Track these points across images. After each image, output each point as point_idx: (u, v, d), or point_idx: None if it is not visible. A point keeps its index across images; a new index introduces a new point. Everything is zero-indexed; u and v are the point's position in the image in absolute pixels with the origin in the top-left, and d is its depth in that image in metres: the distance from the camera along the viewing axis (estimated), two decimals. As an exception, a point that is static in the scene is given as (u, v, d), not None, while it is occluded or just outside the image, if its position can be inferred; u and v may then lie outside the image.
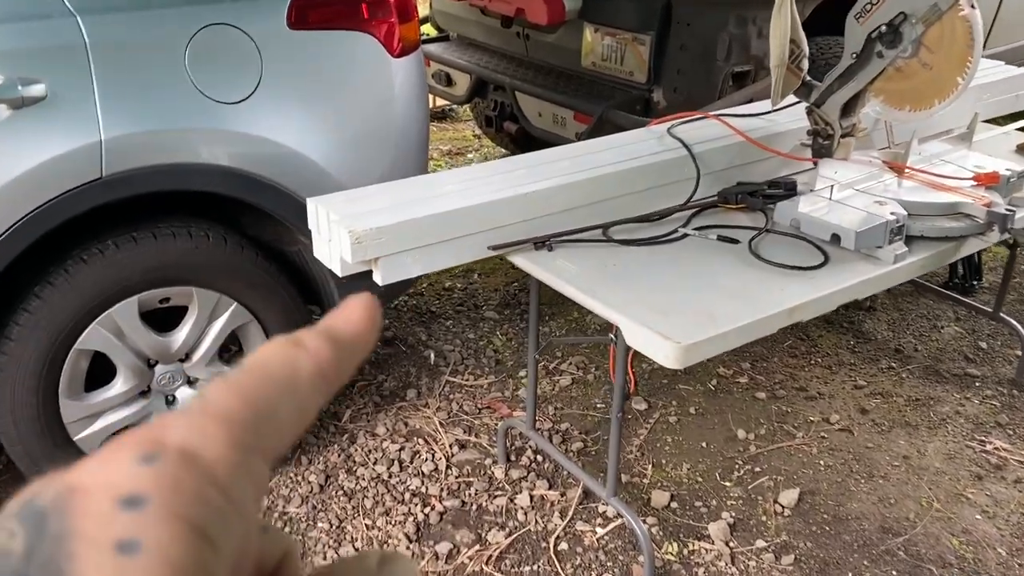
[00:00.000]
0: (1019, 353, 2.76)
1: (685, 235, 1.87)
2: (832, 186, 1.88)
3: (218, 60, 1.77)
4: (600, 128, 2.87)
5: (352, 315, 0.30)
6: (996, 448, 2.37)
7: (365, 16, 1.94)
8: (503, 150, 4.35)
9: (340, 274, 1.66)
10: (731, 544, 2.04)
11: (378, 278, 1.63)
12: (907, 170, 2.02)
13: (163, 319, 1.94)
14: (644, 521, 2.08)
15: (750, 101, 2.92)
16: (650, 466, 2.28)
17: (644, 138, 2.09)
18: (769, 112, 2.26)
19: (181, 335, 1.92)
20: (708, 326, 1.51)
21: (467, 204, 1.69)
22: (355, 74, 1.98)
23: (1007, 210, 1.83)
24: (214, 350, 1.98)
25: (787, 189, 2.05)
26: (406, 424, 2.42)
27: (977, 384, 2.66)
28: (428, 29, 4.14)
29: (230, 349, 2.16)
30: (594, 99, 2.96)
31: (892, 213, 1.82)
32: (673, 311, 1.55)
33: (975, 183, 1.97)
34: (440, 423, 2.42)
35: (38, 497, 0.22)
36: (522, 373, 2.66)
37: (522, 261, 1.75)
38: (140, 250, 1.79)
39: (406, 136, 2.11)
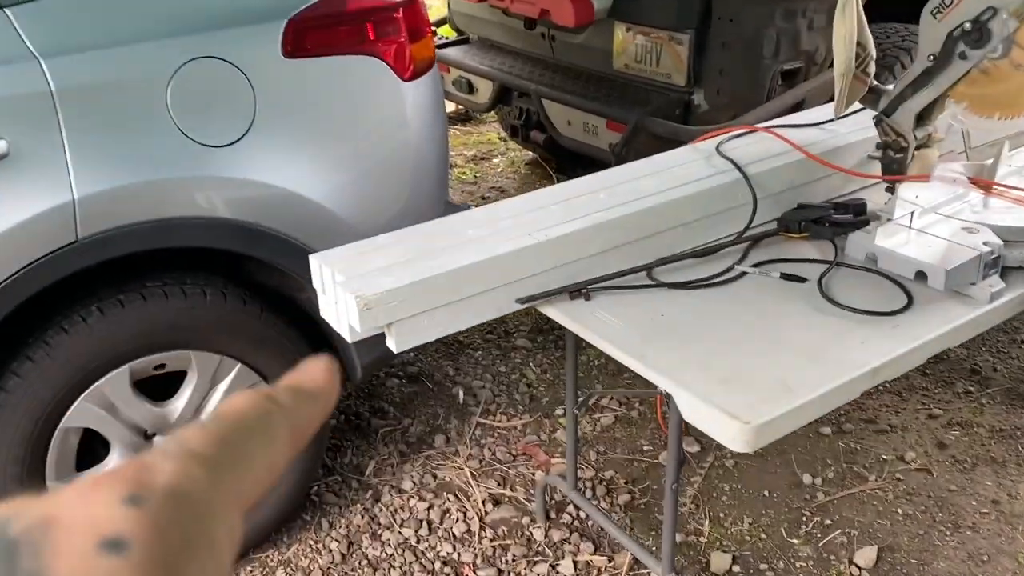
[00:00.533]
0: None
1: (743, 273, 1.63)
2: (913, 212, 1.62)
3: (205, 98, 1.57)
4: (635, 137, 2.63)
5: (314, 373, 0.32)
6: (1098, 488, 2.10)
7: (371, 37, 1.72)
8: (530, 153, 4.11)
9: (349, 340, 1.45)
10: (803, 615, 1.81)
11: (392, 345, 1.42)
12: (995, 187, 1.76)
13: (160, 386, 1.75)
14: (703, 589, 1.86)
15: (802, 102, 2.66)
16: (707, 521, 2.05)
17: (689, 158, 1.85)
18: (829, 121, 2.01)
19: (180, 404, 1.73)
20: (781, 398, 1.27)
21: (490, 255, 1.47)
22: (362, 103, 1.76)
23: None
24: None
25: (856, 212, 1.81)
26: (435, 476, 2.21)
27: (1069, 409, 2.39)
28: (446, 31, 3.91)
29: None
30: (628, 105, 2.71)
31: (985, 243, 1.57)
32: (737, 378, 1.32)
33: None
34: (472, 474, 2.21)
35: (8, 524, 0.21)
36: (559, 411, 2.44)
37: (557, 314, 1.52)
38: (128, 314, 1.59)
39: (422, 166, 1.89)
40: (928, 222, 1.64)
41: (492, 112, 3.76)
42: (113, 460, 1.72)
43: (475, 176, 4.08)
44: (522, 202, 1.68)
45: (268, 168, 1.64)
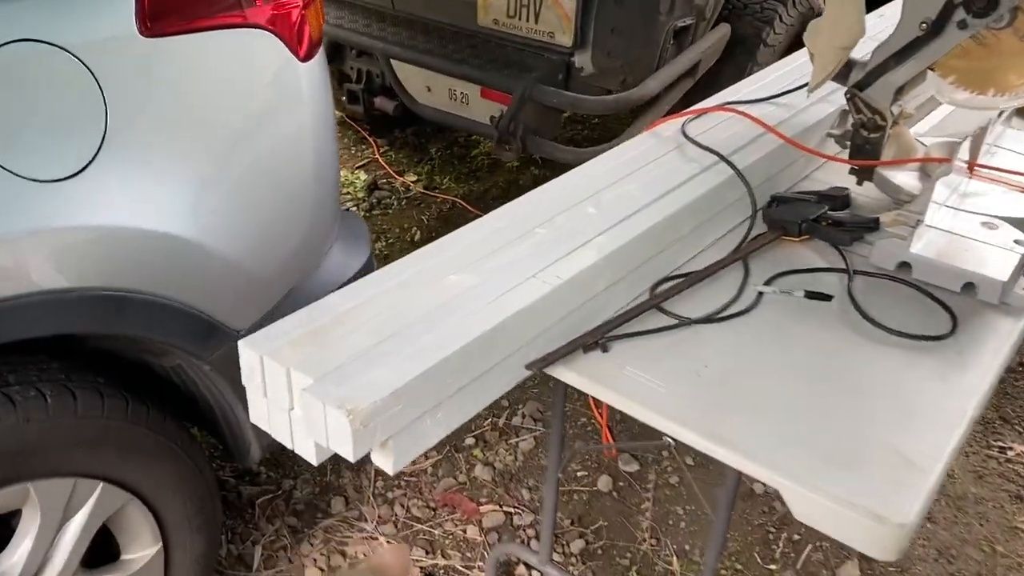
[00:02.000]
0: None
1: (759, 293, 1.35)
2: (937, 208, 1.42)
3: (24, 106, 0.99)
4: (522, 109, 2.26)
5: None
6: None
7: (257, 1, 1.20)
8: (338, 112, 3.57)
9: (315, 462, 1.00)
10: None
11: (388, 465, 0.98)
12: (979, 168, 1.61)
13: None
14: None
15: (698, 65, 2.42)
16: (674, 558, 1.80)
17: (659, 150, 1.53)
18: (778, 96, 1.77)
19: (14, 558, 1.16)
20: (910, 477, 1.01)
21: (500, 316, 1.06)
22: (252, 97, 1.24)
23: None
24: (76, 562, 1.23)
25: (842, 204, 1.59)
26: (344, 555, 1.77)
27: None
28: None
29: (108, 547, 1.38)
30: (503, 68, 2.32)
31: (1016, 241, 1.41)
32: (843, 453, 1.04)
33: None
34: (390, 543, 1.80)
35: None
36: (469, 440, 2.08)
37: (579, 379, 1.16)
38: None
39: (322, 174, 1.41)
40: (938, 218, 1.45)
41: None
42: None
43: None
44: (495, 224, 1.27)
45: (129, 204, 1.09)
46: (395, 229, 3.15)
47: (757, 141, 1.58)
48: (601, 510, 1.91)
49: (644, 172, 1.45)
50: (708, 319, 1.28)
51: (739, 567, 1.79)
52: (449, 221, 3.21)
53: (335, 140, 1.44)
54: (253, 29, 1.21)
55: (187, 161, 1.15)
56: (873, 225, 1.47)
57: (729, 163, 1.47)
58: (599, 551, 1.82)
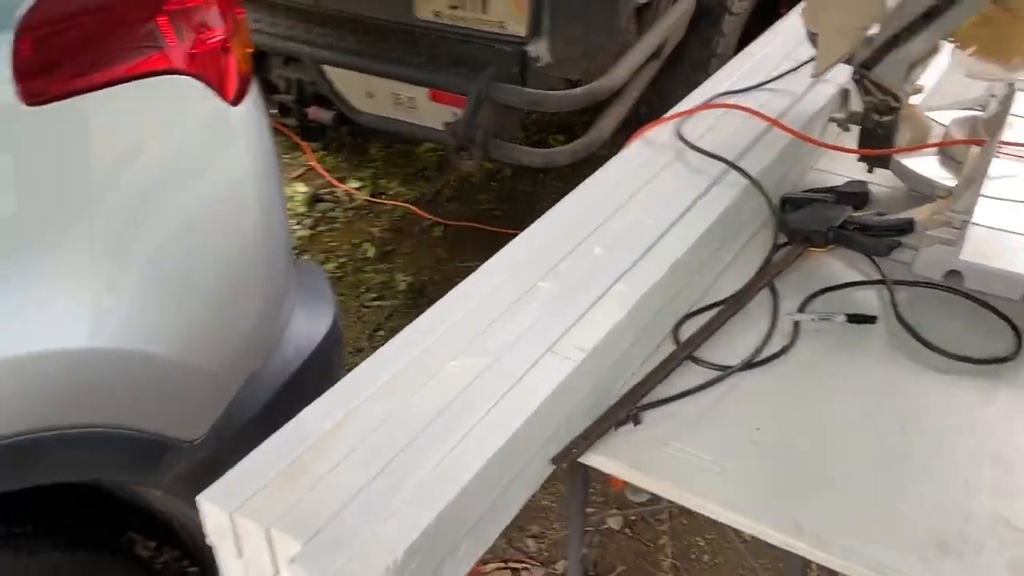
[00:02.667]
0: None
1: (795, 323, 1.17)
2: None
3: None
4: (479, 111, 2.03)
5: None
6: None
7: (168, 37, 0.96)
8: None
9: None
10: None
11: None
12: (1001, 145, 1.45)
13: None
14: None
15: (663, 46, 2.22)
16: (706, 599, 1.64)
17: (660, 161, 1.33)
18: (772, 81, 1.58)
19: None
20: (1029, 557, 0.85)
21: (524, 412, 0.86)
22: (175, 159, 1.00)
23: None
24: None
25: (860, 201, 1.42)
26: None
27: None
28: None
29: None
30: (452, 66, 2.09)
31: (1069, 232, 1.25)
32: (954, 537, 0.87)
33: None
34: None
35: None
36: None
37: (615, 466, 0.96)
38: None
39: (271, 240, 1.18)
40: (979, 213, 1.28)
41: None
42: None
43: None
44: (492, 280, 1.05)
45: (20, 324, 0.85)
46: (344, 246, 2.91)
47: (763, 139, 1.39)
48: (617, 552, 1.73)
49: (647, 193, 1.25)
50: (748, 365, 1.10)
51: (775, 601, 1.64)
52: (403, 232, 2.97)
53: (282, 191, 1.21)
54: (168, 76, 0.96)
55: (95, 253, 0.91)
56: (908, 227, 1.30)
57: (741, 171, 1.28)
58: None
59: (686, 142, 1.37)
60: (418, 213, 3.02)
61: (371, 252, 2.85)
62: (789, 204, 1.38)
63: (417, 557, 0.74)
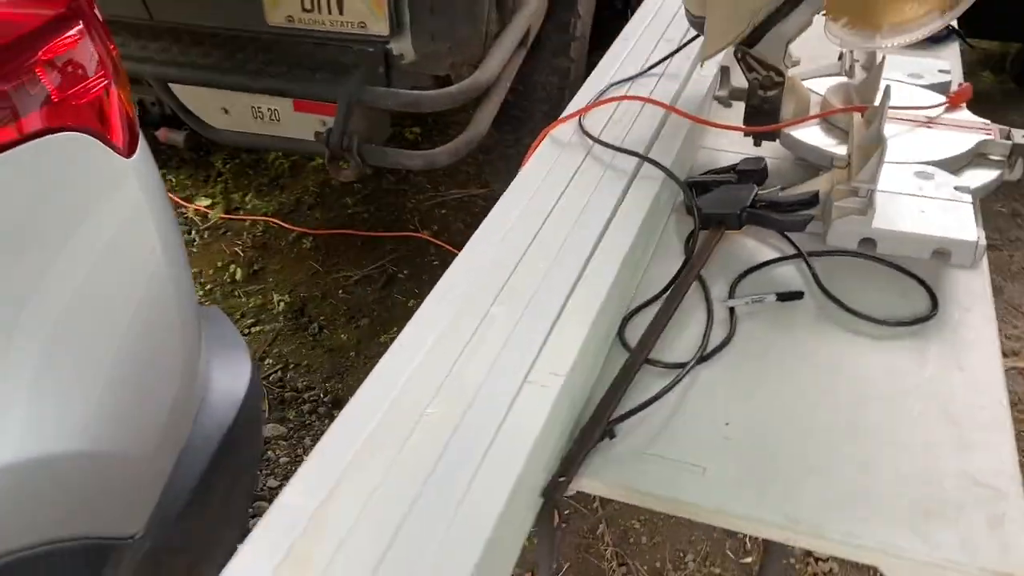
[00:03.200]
0: None
1: (731, 309, 1.19)
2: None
3: None
4: (352, 117, 1.94)
5: None
6: None
7: (50, 90, 0.83)
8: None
9: None
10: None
11: None
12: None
13: None
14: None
15: (527, 33, 2.20)
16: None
17: (572, 163, 1.31)
18: (656, 66, 1.59)
19: None
20: (1000, 506, 0.90)
21: (508, 460, 0.82)
22: (70, 229, 0.87)
23: (1026, 137, 1.45)
24: None
25: (760, 176, 1.45)
26: None
27: None
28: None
29: None
30: (313, 72, 1.98)
31: (957, 188, 1.33)
32: (929, 501, 0.91)
33: (949, 106, 1.56)
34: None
35: None
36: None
37: (602, 487, 0.94)
38: None
39: (182, 293, 1.07)
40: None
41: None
42: None
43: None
44: (443, 312, 1.00)
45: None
46: (208, 270, 2.72)
47: (664, 126, 1.41)
48: (558, 548, 1.72)
49: (571, 197, 1.22)
50: (701, 359, 1.10)
51: (716, 570, 1.69)
52: (269, 247, 2.82)
53: (179, 236, 1.09)
54: (51, 136, 0.84)
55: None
56: (814, 200, 1.35)
57: (655, 163, 1.28)
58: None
59: (595, 139, 1.35)
60: (281, 225, 2.87)
61: (239, 274, 2.68)
62: (694, 188, 1.40)
63: (453, 634, 0.69)
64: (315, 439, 2.18)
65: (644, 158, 1.29)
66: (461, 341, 0.96)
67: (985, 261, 1.27)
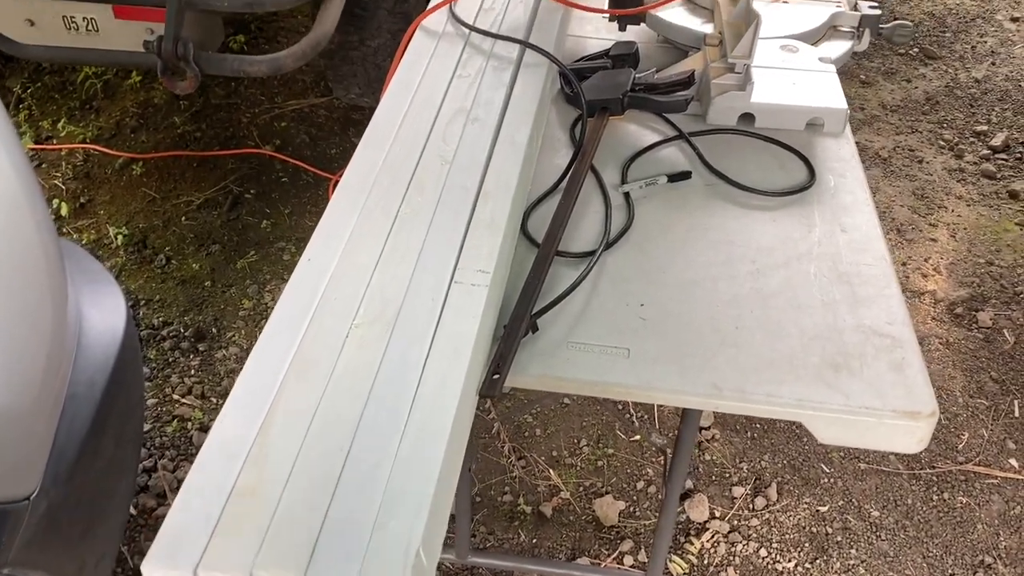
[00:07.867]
0: None
1: (626, 195, 1.20)
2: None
3: None
4: (182, 21, 1.75)
5: None
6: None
7: None
8: None
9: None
10: None
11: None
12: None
13: None
14: None
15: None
16: (550, 470, 1.71)
17: (452, 54, 1.24)
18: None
19: None
20: (897, 353, 0.97)
21: (462, 365, 0.79)
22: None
23: (872, 6, 1.52)
24: None
25: (634, 60, 1.44)
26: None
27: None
28: None
29: None
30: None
31: (820, 59, 1.38)
32: (835, 357, 0.96)
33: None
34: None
35: None
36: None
37: (532, 380, 0.94)
38: None
39: (36, 214, 0.95)
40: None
41: None
42: None
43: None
44: (343, 223, 0.93)
45: None
46: (27, 207, 2.45)
47: (540, 14, 1.36)
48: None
49: (459, 90, 1.17)
50: (608, 246, 1.10)
51: (610, 451, 1.75)
52: (94, 177, 2.56)
53: (31, 169, 0.95)
54: None
55: None
56: (690, 80, 1.36)
57: (539, 50, 1.24)
58: (478, 498, 1.67)
59: (472, 27, 1.29)
60: (104, 152, 2.61)
61: (64, 209, 2.42)
62: (572, 75, 1.38)
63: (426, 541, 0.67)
64: (182, 377, 2.05)
65: (528, 45, 1.25)
66: (374, 249, 0.90)
67: (849, 128, 1.34)
